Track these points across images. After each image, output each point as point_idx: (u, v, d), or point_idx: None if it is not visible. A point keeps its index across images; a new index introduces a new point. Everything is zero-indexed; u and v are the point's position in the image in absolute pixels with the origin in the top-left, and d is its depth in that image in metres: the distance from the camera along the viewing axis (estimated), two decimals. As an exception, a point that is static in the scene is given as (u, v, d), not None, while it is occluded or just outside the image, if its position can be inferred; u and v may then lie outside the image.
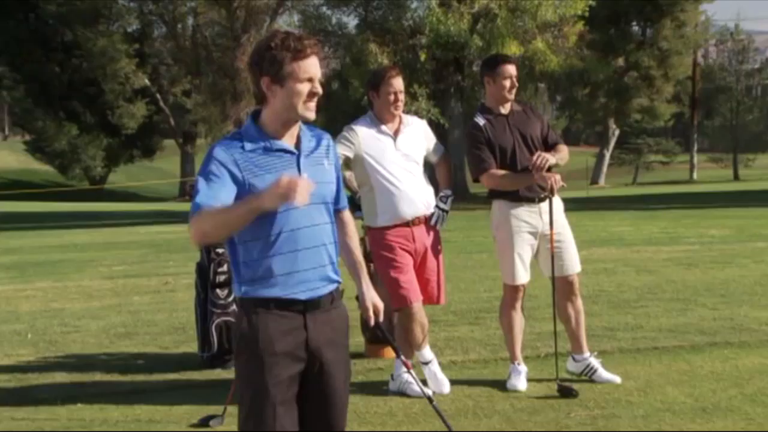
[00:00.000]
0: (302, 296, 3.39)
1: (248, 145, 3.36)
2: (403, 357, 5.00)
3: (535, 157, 6.04)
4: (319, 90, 3.37)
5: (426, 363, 6.28)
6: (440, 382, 6.21)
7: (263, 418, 3.34)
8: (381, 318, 3.87)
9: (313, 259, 3.41)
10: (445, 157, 6.52)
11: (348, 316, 3.59)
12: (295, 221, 3.35)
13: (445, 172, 6.49)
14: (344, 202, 3.71)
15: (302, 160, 3.40)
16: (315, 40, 3.40)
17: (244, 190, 3.30)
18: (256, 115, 3.43)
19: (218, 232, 3.28)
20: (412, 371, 5.04)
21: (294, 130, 3.44)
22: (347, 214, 3.76)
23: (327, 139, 3.57)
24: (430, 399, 4.60)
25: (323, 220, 3.44)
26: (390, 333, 6.83)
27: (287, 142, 3.41)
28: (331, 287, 3.48)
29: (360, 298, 3.83)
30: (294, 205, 3.18)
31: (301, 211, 3.31)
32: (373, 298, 3.81)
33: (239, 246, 3.38)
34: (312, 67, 3.35)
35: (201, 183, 3.29)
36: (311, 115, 3.39)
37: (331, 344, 3.46)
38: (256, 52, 3.37)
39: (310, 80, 3.35)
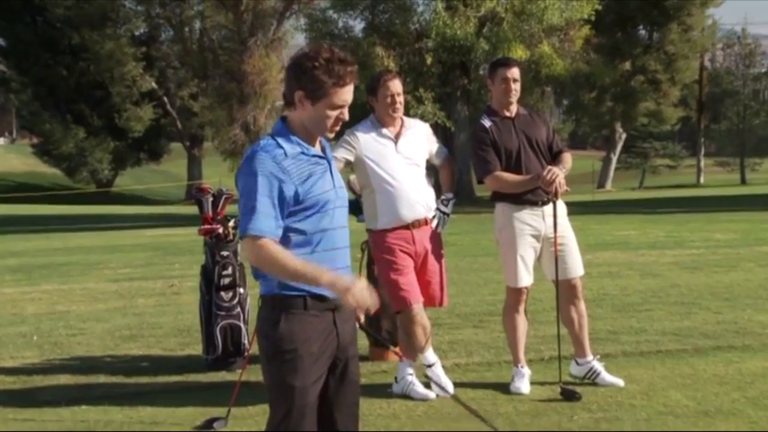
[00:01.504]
0: (333, 295, 3.44)
1: (289, 151, 3.43)
2: (401, 353, 5.01)
3: (545, 172, 6.04)
4: (346, 117, 3.46)
5: (429, 366, 6.29)
6: (444, 385, 6.22)
7: (302, 419, 3.41)
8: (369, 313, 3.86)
9: (343, 259, 3.53)
10: (448, 161, 6.54)
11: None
12: (333, 221, 3.48)
13: (447, 176, 6.50)
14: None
15: (332, 165, 3.55)
16: (355, 67, 3.43)
17: (296, 194, 3.39)
18: (284, 120, 3.50)
19: (271, 272, 3.39)
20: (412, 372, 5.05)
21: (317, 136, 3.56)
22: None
23: (326, 144, 3.67)
24: (455, 397, 4.61)
25: (345, 222, 3.58)
26: (391, 333, 6.87)
27: (317, 147, 3.52)
28: None
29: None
30: (331, 208, 3.43)
31: (336, 212, 3.48)
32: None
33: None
34: (347, 94, 3.42)
35: (252, 201, 3.34)
36: (330, 135, 3.50)
37: (352, 341, 3.60)
38: (298, 65, 3.39)
39: (341, 107, 3.42)
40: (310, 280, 3.32)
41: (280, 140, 3.45)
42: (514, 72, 6.25)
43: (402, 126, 6.18)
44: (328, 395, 3.53)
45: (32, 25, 56.70)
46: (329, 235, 3.47)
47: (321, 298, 3.43)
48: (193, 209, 8.11)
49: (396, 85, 6.08)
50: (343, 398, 3.56)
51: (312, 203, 3.41)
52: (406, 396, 6.18)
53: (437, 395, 6.16)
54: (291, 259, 3.34)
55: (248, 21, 46.89)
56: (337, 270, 3.45)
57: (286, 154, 3.40)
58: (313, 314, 3.43)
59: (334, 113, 3.41)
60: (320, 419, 3.52)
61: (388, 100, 6.05)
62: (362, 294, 3.29)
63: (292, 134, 3.47)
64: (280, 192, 3.36)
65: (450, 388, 6.21)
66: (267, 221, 3.34)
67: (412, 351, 6.25)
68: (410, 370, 6.25)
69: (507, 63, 6.37)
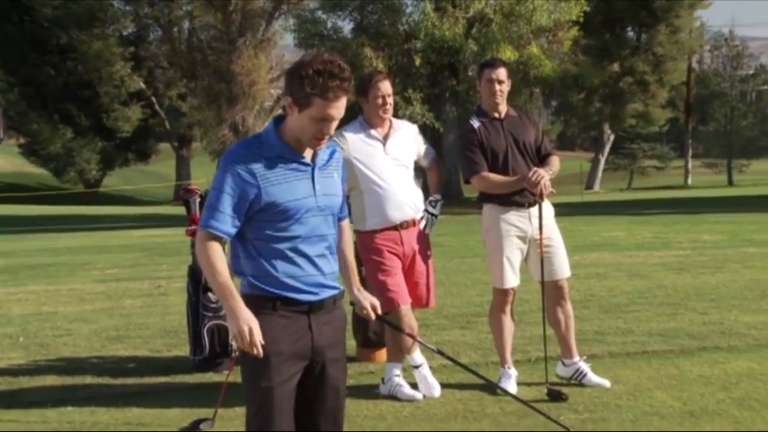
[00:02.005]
0: (306, 298, 3.46)
1: (266, 152, 3.41)
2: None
3: (530, 174, 6.06)
4: (330, 131, 3.39)
5: (416, 367, 6.30)
6: (430, 386, 6.23)
7: (270, 418, 3.41)
8: (380, 311, 3.96)
9: (318, 267, 3.49)
10: (436, 162, 6.55)
11: (346, 316, 3.70)
12: (305, 230, 3.44)
13: (435, 177, 6.52)
14: (345, 211, 3.82)
15: (316, 172, 3.47)
16: (347, 83, 3.34)
17: (258, 197, 3.37)
18: (278, 121, 3.47)
19: (204, 273, 3.49)
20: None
21: None
22: (346, 223, 3.87)
23: (339, 152, 3.64)
24: (520, 399, 4.63)
25: (329, 231, 3.53)
26: (378, 334, 6.88)
27: (305, 153, 3.46)
28: (333, 292, 3.57)
29: (356, 301, 3.92)
30: (305, 216, 3.41)
31: (312, 220, 3.43)
32: (368, 297, 3.91)
33: (248, 242, 3.46)
34: (332, 109, 3.34)
35: (216, 198, 3.39)
36: (319, 146, 3.45)
37: (332, 345, 3.56)
38: (291, 71, 3.37)
39: (326, 120, 3.36)
40: (223, 302, 3.41)
41: (263, 140, 3.44)
42: (500, 73, 6.25)
43: (390, 127, 6.19)
44: (308, 398, 3.52)
45: (19, 24, 56.38)
46: (305, 243, 3.44)
47: (292, 301, 3.44)
48: (180, 210, 8.09)
49: (386, 87, 6.08)
50: (323, 402, 3.55)
51: (282, 209, 3.38)
52: (393, 397, 6.18)
53: (424, 396, 6.16)
54: (220, 271, 3.39)
55: (237, 21, 46.79)
56: (309, 277, 3.45)
57: (261, 155, 3.39)
58: (282, 315, 3.44)
59: (315, 126, 3.34)
60: (301, 422, 3.52)
61: (379, 101, 6.05)
62: (244, 341, 3.33)
63: (280, 137, 3.44)
64: (243, 192, 3.36)
65: (437, 389, 6.22)
66: (222, 219, 3.38)
67: (399, 352, 6.26)
68: (397, 371, 6.26)
69: (493, 64, 6.38)
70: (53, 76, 55.76)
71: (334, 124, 3.39)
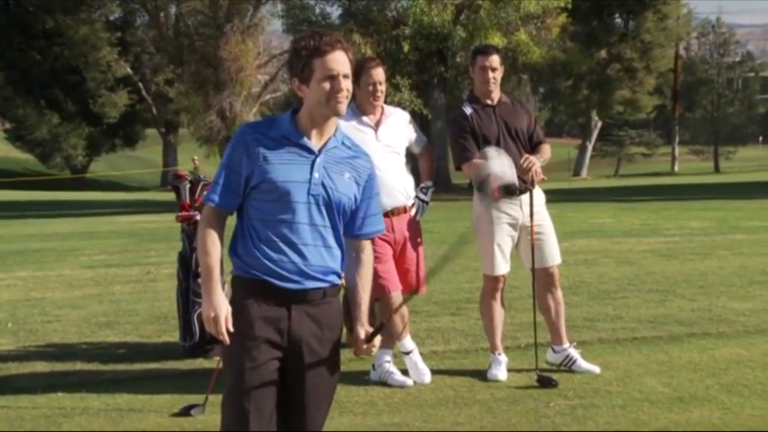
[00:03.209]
0: (287, 286, 3.40)
1: (273, 132, 3.45)
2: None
3: (522, 160, 6.07)
4: (342, 86, 3.38)
5: (407, 353, 6.31)
6: (421, 372, 6.25)
7: (240, 400, 3.38)
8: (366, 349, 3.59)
9: (303, 255, 3.41)
10: (427, 149, 6.55)
11: (340, 313, 3.55)
12: (297, 215, 3.40)
13: (427, 164, 6.52)
14: (367, 229, 3.58)
15: (319, 160, 3.43)
16: (337, 36, 3.41)
17: (253, 173, 3.40)
18: (296, 110, 3.50)
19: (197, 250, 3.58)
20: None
21: (326, 133, 3.48)
22: (367, 248, 3.60)
23: (369, 165, 3.56)
24: None
25: (323, 222, 3.44)
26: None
27: (313, 141, 3.45)
28: (321, 285, 3.46)
29: (354, 330, 3.56)
30: (296, 200, 3.37)
31: (304, 206, 3.39)
32: (366, 331, 3.54)
33: (245, 222, 3.47)
34: (333, 63, 3.36)
35: (223, 174, 3.46)
36: (339, 111, 3.43)
37: (316, 339, 3.46)
38: (288, 55, 3.49)
39: (333, 77, 3.36)
40: (203, 283, 3.45)
41: (275, 122, 3.48)
42: (493, 60, 6.26)
43: (382, 114, 6.19)
44: (288, 389, 3.47)
45: (5, 8, 55.93)
46: (291, 229, 3.40)
47: (273, 287, 3.40)
48: (168, 196, 8.06)
49: (379, 74, 6.06)
50: (297, 396, 3.48)
51: (272, 188, 3.38)
52: (383, 383, 6.20)
53: (414, 382, 6.18)
54: (209, 252, 3.45)
55: (224, 7, 46.58)
56: (294, 263, 3.40)
57: (267, 134, 3.43)
58: (262, 299, 3.41)
59: (325, 88, 3.36)
60: (287, 414, 3.47)
61: (370, 88, 6.04)
62: (211, 326, 3.38)
63: (292, 120, 3.47)
64: (240, 167, 3.42)
65: (427, 375, 6.23)
66: (220, 192, 3.44)
67: (390, 338, 6.27)
68: (388, 358, 6.27)
69: (486, 51, 6.37)
70: (39, 61, 55.35)
71: (344, 82, 3.38)
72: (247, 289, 3.44)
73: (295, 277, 3.41)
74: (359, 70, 6.06)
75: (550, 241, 6.37)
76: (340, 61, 3.37)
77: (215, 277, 3.42)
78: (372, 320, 6.60)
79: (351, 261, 3.57)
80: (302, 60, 3.38)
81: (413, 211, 6.25)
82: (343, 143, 3.53)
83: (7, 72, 55.68)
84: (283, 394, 3.46)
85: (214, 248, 3.44)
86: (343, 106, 3.42)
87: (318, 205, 3.42)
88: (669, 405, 5.56)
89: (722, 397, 5.66)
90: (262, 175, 3.38)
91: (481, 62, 6.25)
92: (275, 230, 3.40)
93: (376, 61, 6.27)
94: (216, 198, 3.45)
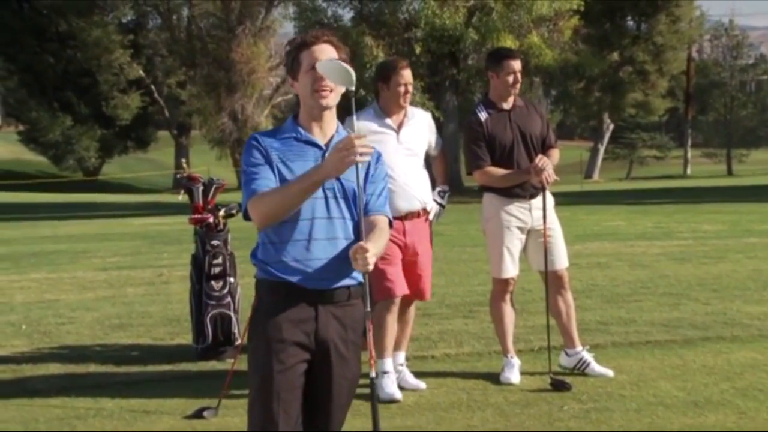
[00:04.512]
0: (313, 286, 3.42)
1: (281, 135, 3.51)
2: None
3: (537, 160, 6.06)
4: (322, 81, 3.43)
5: (384, 372, 5.98)
6: (390, 394, 5.92)
7: (268, 403, 3.39)
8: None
9: (327, 251, 3.43)
10: (443, 152, 6.51)
11: (363, 316, 3.54)
12: (313, 211, 3.42)
13: (442, 167, 6.49)
14: (377, 207, 3.53)
15: (326, 154, 3.44)
16: (325, 32, 3.51)
17: (276, 172, 3.43)
18: (297, 114, 3.57)
19: (279, 211, 3.37)
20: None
21: (327, 129, 3.51)
22: (380, 221, 3.52)
23: (375, 155, 3.53)
24: None
25: (340, 215, 3.45)
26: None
27: (318, 137, 3.49)
28: (347, 282, 3.47)
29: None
30: (313, 198, 3.35)
31: (319, 201, 3.41)
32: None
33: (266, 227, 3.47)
34: (317, 53, 3.43)
35: (249, 170, 3.45)
36: (324, 102, 3.44)
37: (342, 340, 3.48)
38: (285, 58, 3.59)
39: (315, 68, 3.42)
40: (315, 180, 3.31)
41: (280, 127, 3.55)
42: (518, 64, 6.24)
43: (405, 115, 6.11)
44: (312, 391, 3.48)
45: (19, 11, 56.18)
46: (311, 225, 3.41)
47: (299, 288, 3.41)
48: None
49: (409, 75, 6.01)
50: (322, 398, 3.50)
51: None
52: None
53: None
54: (286, 183, 3.38)
55: (236, 9, 46.77)
56: (317, 260, 3.40)
57: (276, 137, 3.50)
58: (290, 302, 3.42)
59: (310, 80, 3.42)
60: (305, 413, 3.49)
61: (401, 89, 5.96)
62: (358, 142, 3.24)
63: (295, 121, 3.54)
64: (264, 160, 3.44)
65: (398, 396, 5.92)
66: (256, 183, 3.41)
67: (404, 339, 6.23)
68: (401, 360, 6.25)
69: (513, 55, 6.35)
70: (52, 63, 55.63)
71: None
72: (273, 291, 3.45)
73: (320, 275, 3.42)
74: (389, 71, 5.99)
75: (559, 245, 6.36)
76: (325, 52, 3.44)
77: (301, 175, 3.35)
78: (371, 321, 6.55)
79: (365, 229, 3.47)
80: (291, 55, 3.49)
81: (431, 215, 6.21)
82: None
83: (20, 75, 55.97)
84: (308, 395, 3.48)
85: (275, 189, 3.38)
86: (328, 98, 3.45)
87: (336, 198, 3.45)
88: (683, 409, 5.53)
89: (737, 402, 5.63)
90: (281, 174, 3.43)
91: (509, 66, 6.19)
92: (295, 229, 3.42)
93: (406, 61, 6.18)
94: (259, 186, 3.39)
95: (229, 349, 7.09)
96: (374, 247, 3.34)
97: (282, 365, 3.39)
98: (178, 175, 44.12)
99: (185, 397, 6.08)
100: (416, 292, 6.18)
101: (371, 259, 3.29)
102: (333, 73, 3.37)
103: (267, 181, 3.40)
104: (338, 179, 3.42)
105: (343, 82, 3.38)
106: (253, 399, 3.46)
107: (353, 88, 3.35)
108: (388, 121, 6.05)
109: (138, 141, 62.21)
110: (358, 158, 3.24)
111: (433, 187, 6.30)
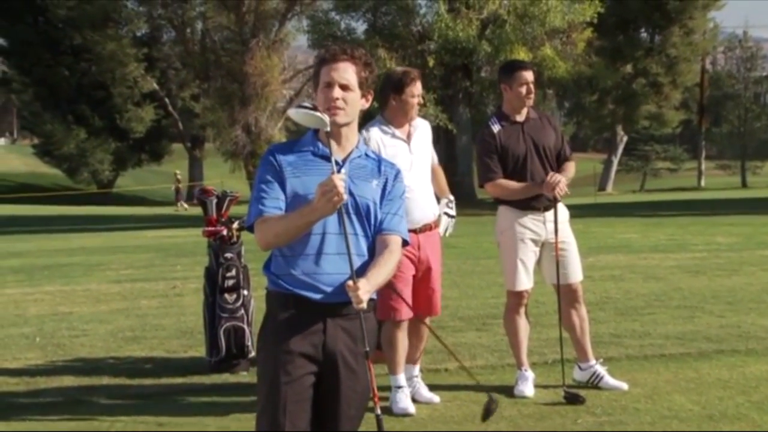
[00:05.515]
0: (322, 299, 3.43)
1: (298, 148, 3.54)
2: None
3: (549, 177, 6.05)
4: (334, 95, 3.44)
5: (398, 387, 5.99)
6: (404, 409, 5.94)
7: (275, 415, 3.40)
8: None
9: (337, 266, 3.43)
10: (437, 162, 6.44)
11: (375, 327, 3.56)
12: (325, 226, 3.43)
13: (441, 178, 6.42)
14: (388, 225, 3.52)
15: (342, 170, 3.46)
16: (348, 48, 3.52)
17: (287, 189, 3.47)
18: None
19: (279, 240, 3.44)
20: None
21: (346, 144, 3.53)
22: (392, 243, 3.51)
23: (395, 169, 3.57)
24: None
25: (352, 230, 3.45)
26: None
27: (335, 152, 3.47)
28: None
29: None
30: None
31: (332, 217, 3.40)
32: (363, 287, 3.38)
33: None
34: (332, 71, 3.46)
35: (260, 187, 3.49)
36: (334, 120, 3.45)
37: (351, 352, 3.47)
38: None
39: (328, 85, 3.45)
40: (310, 220, 3.36)
41: (300, 139, 3.58)
42: (531, 75, 6.24)
43: (411, 126, 6.10)
44: (321, 403, 3.48)
45: (34, 25, 56.58)
46: (322, 240, 3.42)
47: (307, 300, 3.42)
48: (194, 210, 8.07)
49: (420, 87, 6.00)
50: (331, 410, 3.49)
51: (301, 200, 3.42)
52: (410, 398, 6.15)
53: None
54: (279, 220, 3.41)
55: (250, 22, 46.92)
56: (328, 275, 3.41)
57: (293, 150, 3.52)
58: (297, 314, 3.43)
59: (323, 95, 3.46)
60: (321, 427, 3.48)
61: (414, 100, 5.93)
62: (337, 181, 3.27)
63: (315, 135, 3.55)
64: (275, 178, 3.47)
65: (411, 410, 5.92)
66: (263, 203, 3.45)
67: (416, 351, 6.21)
68: (415, 373, 6.23)
69: (525, 66, 6.35)
70: (67, 76, 55.94)
71: (337, 91, 3.44)
72: (282, 303, 3.46)
73: (330, 289, 3.43)
74: (404, 82, 5.93)
75: (573, 258, 6.34)
76: (340, 70, 3.46)
77: (297, 210, 3.38)
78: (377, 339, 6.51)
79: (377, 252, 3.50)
80: (314, 69, 3.57)
81: (441, 228, 6.19)
82: (366, 154, 3.58)
83: (35, 88, 56.33)
84: (317, 407, 3.47)
85: (280, 216, 3.42)
86: (337, 116, 3.46)
87: (349, 213, 3.44)
88: (698, 423, 5.50)
89: (753, 415, 5.59)
90: (292, 188, 3.45)
91: (522, 77, 6.20)
92: (307, 243, 3.43)
93: (418, 72, 6.14)
94: (265, 207, 3.44)
95: (243, 362, 7.10)
96: (369, 283, 3.35)
97: (289, 377, 3.40)
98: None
99: (199, 410, 6.09)
100: (428, 308, 6.13)
101: (364, 297, 3.32)
102: (304, 120, 3.42)
103: (275, 202, 3.45)
104: (352, 194, 3.43)
105: (316, 125, 3.44)
106: (261, 410, 3.47)
107: (329, 129, 3.40)
108: (398, 132, 6.01)
109: (152, 154, 62.45)
110: (345, 197, 3.29)
111: (437, 200, 6.25)
